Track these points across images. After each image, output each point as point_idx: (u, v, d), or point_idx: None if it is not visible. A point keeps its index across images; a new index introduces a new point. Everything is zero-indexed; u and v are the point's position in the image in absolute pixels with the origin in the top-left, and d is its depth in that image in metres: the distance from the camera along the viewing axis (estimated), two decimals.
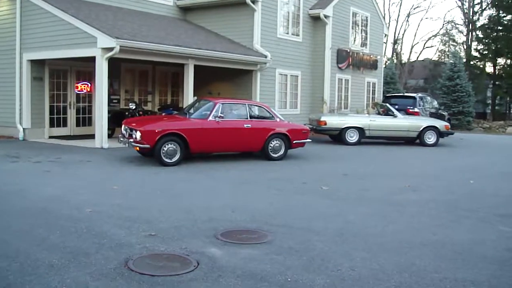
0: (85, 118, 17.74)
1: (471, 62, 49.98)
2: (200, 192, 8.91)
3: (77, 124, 17.55)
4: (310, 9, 21.25)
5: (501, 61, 54.23)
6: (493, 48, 51.87)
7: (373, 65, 24.75)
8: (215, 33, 19.27)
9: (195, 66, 16.25)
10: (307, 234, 6.33)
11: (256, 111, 12.87)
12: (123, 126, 12.20)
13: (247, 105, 12.70)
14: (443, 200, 8.85)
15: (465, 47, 54.03)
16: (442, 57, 57.77)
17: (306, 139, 13.44)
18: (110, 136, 15.22)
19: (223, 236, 6.10)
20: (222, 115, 11.98)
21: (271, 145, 12.78)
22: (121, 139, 11.97)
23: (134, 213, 7.08)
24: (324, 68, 21.52)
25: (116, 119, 15.76)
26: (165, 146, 11.26)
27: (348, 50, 22.65)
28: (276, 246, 5.80)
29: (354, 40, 23.47)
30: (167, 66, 19.37)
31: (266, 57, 18.38)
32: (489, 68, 53.52)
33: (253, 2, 18.31)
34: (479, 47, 54.21)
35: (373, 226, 6.88)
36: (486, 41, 53.15)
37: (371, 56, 24.50)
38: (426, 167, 13.07)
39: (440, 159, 15.13)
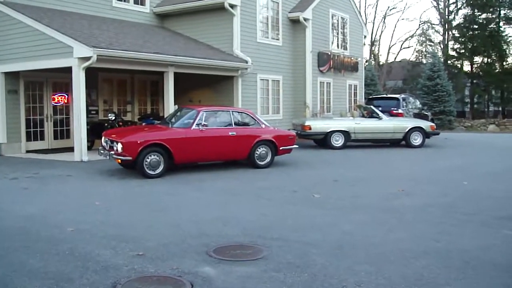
0: (63, 130, 17.21)
1: (449, 62, 50.24)
2: (187, 205, 8.51)
3: (55, 137, 17.01)
4: (289, 12, 20.97)
5: (478, 59, 54.61)
6: (470, 46, 52.21)
7: (354, 67, 24.55)
8: (194, 40, 18.89)
9: (175, 74, 15.85)
10: (304, 247, 5.97)
11: (240, 118, 12.47)
12: (103, 138, 11.75)
13: (231, 112, 12.31)
14: (439, 203, 8.56)
15: (442, 46, 54.30)
16: (420, 57, 57.99)
17: (292, 145, 13.10)
18: (89, 148, 14.75)
19: (216, 253, 5.73)
20: (206, 123, 11.59)
21: (257, 152, 12.42)
22: (102, 151, 11.52)
23: (119, 231, 6.67)
24: (306, 72, 21.24)
25: (95, 130, 15.29)
26: (148, 158, 10.83)
27: (329, 53, 22.41)
28: (274, 261, 5.44)
29: (334, 43, 23.24)
30: (146, 75, 18.95)
31: (247, 62, 18.05)
32: (466, 67, 53.87)
33: (231, 7, 17.96)
34: (455, 46, 54.53)
35: (372, 236, 6.55)
36: (463, 40, 53.49)
37: (352, 58, 24.30)
38: (415, 169, 12.81)
39: (428, 160, 14.91)
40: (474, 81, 53.71)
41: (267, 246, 5.99)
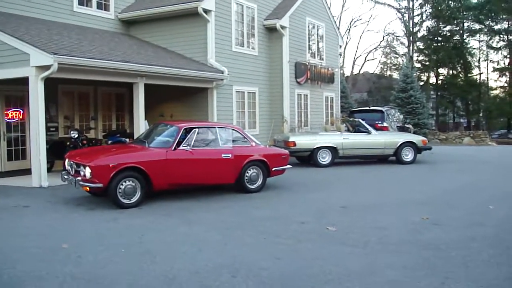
0: (18, 150, 15.20)
1: (414, 74, 49.95)
2: (178, 245, 6.79)
3: (9, 158, 14.97)
4: (265, 19, 19.52)
5: (443, 71, 54.54)
6: (435, 58, 52.07)
7: (331, 79, 23.23)
8: (163, 48, 17.22)
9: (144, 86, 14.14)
10: None
11: (228, 135, 10.83)
12: (66, 160, 9.94)
13: (217, 129, 10.64)
14: (480, 236, 7.15)
15: (407, 58, 54.03)
16: (385, 69, 57.61)
17: (286, 165, 11.55)
18: (49, 170, 12.87)
19: None
20: (189, 142, 9.91)
21: (247, 174, 10.77)
22: (65, 176, 9.72)
23: None
24: (283, 83, 19.77)
25: (55, 150, 13.52)
26: (122, 184, 9.09)
27: (306, 63, 21.02)
28: None
29: (310, 53, 21.86)
30: (111, 87, 17.16)
31: (223, 73, 16.46)
32: (431, 79, 53.67)
33: (206, 13, 16.36)
34: (420, 58, 54.38)
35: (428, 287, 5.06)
36: (427, 52, 53.36)
37: (328, 69, 22.98)
38: (424, 190, 11.35)
39: (430, 178, 13.54)
40: (439, 93, 53.55)
41: None
